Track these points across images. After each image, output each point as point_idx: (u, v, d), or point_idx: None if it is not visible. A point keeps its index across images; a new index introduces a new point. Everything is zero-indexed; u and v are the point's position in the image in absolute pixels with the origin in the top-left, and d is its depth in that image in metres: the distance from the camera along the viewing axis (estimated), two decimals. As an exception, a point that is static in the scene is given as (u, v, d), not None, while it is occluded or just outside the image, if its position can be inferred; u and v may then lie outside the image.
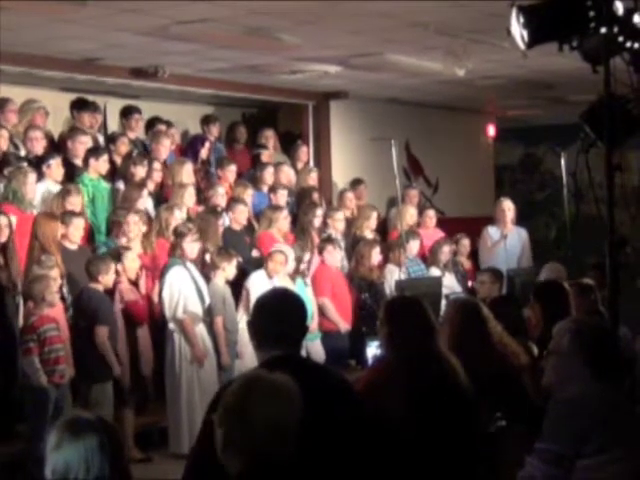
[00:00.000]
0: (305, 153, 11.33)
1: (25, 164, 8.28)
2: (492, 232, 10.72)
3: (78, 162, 8.97)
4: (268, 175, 10.23)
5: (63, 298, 7.45)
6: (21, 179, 7.91)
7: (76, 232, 7.87)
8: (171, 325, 7.84)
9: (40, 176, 8.26)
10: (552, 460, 3.54)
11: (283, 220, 9.30)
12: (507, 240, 10.51)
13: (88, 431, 2.94)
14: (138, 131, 10.17)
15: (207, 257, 8.43)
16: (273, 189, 9.98)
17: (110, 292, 7.58)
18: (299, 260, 8.83)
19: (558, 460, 3.53)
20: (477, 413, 4.29)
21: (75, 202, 8.14)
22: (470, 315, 4.89)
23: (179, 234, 8.01)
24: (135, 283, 7.90)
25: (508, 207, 10.76)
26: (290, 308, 3.66)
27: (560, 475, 3.54)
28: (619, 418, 3.62)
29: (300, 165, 11.13)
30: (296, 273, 8.78)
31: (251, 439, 2.78)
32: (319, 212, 9.77)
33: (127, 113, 10.11)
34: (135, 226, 8.13)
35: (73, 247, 7.88)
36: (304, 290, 8.72)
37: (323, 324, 8.98)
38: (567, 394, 3.68)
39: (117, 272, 7.60)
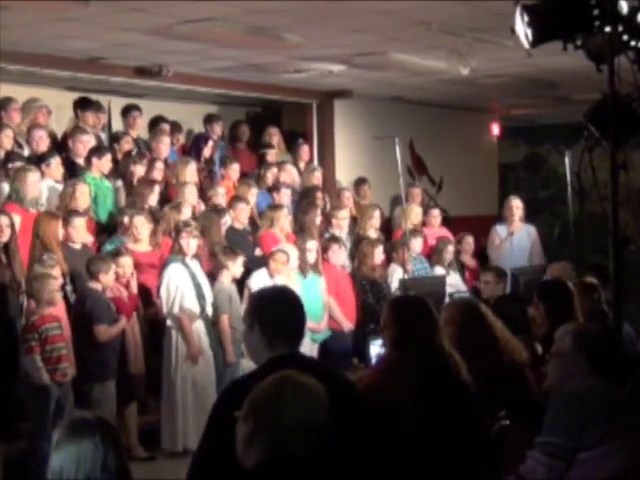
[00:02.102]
0: (307, 152, 11.32)
1: (23, 163, 8.28)
2: (500, 230, 10.80)
3: (80, 161, 8.98)
4: (271, 174, 10.23)
5: (66, 297, 7.45)
6: (22, 178, 7.91)
7: (80, 232, 7.87)
8: (168, 322, 7.86)
9: (40, 175, 8.26)
10: (553, 453, 3.56)
11: (284, 219, 9.28)
12: (514, 238, 10.58)
13: (84, 432, 2.94)
14: (138, 129, 10.18)
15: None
16: (276, 188, 9.97)
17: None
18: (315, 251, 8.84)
19: (559, 452, 3.54)
20: (479, 411, 4.29)
21: (84, 191, 8.18)
22: (470, 313, 4.89)
23: (176, 230, 8.05)
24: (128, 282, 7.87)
25: (517, 205, 10.82)
26: (297, 304, 3.66)
27: (561, 467, 3.55)
28: (618, 412, 3.63)
29: (302, 164, 11.12)
30: (310, 267, 8.78)
31: (281, 437, 2.82)
32: (319, 212, 9.76)
33: (126, 111, 10.13)
34: (142, 227, 8.14)
35: (77, 246, 7.89)
36: (317, 284, 8.74)
37: (328, 323, 8.97)
38: (567, 389, 3.69)
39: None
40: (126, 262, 7.73)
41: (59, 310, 7.11)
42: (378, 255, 9.44)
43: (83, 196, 8.16)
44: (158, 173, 9.23)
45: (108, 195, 8.91)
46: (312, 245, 8.86)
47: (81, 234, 7.91)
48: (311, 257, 8.83)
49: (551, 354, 3.92)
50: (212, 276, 8.21)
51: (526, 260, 10.31)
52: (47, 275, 7.04)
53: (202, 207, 9.28)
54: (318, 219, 9.67)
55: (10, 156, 8.45)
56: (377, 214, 10.37)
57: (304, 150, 11.27)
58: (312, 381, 2.94)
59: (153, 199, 8.72)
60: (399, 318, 4.39)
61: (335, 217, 9.93)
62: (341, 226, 9.89)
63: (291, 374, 2.98)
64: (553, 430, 3.58)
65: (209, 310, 8.02)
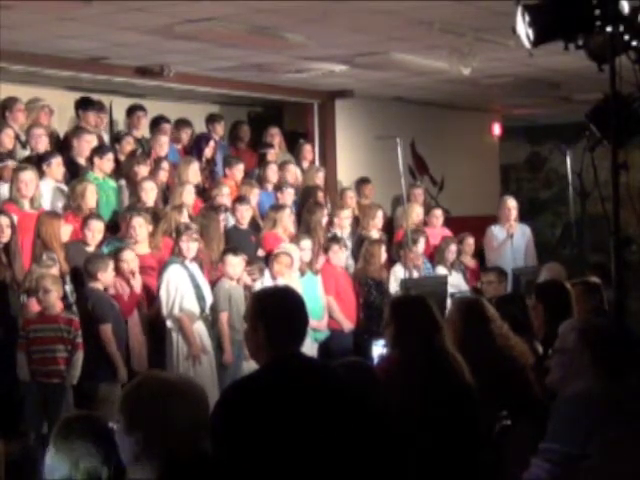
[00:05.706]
0: (310, 152, 11.31)
1: (11, 161, 8.29)
2: (496, 231, 10.62)
3: (81, 161, 8.98)
4: (272, 174, 10.23)
5: (66, 297, 7.43)
6: (14, 178, 7.91)
7: (96, 235, 7.85)
8: (168, 323, 7.86)
9: (41, 175, 8.26)
10: (557, 460, 3.53)
11: (287, 219, 9.29)
12: (513, 239, 10.49)
13: (82, 432, 2.93)
14: (142, 129, 10.17)
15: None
16: (279, 188, 9.97)
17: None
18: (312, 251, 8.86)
19: (562, 459, 3.52)
20: (480, 411, 4.29)
21: (94, 190, 8.20)
22: (474, 314, 4.89)
23: (177, 233, 8.05)
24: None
25: (513, 205, 10.68)
26: (299, 304, 3.66)
27: (565, 475, 3.53)
28: (623, 417, 3.60)
29: (306, 164, 11.12)
30: (307, 266, 8.79)
31: (175, 440, 2.73)
32: (326, 212, 9.77)
33: (130, 111, 10.13)
34: (141, 229, 8.12)
35: (90, 249, 7.85)
36: (316, 285, 8.74)
37: (328, 323, 8.98)
38: (571, 392, 3.67)
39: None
40: (129, 256, 7.72)
41: (55, 310, 7.04)
42: (384, 255, 9.45)
43: (92, 194, 8.19)
44: (164, 174, 9.23)
45: (111, 195, 8.90)
46: (307, 244, 8.88)
47: (97, 237, 7.89)
48: (306, 256, 8.84)
49: (554, 350, 3.89)
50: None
51: (522, 261, 10.22)
52: (43, 275, 7.02)
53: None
54: (325, 219, 9.68)
55: (12, 156, 8.46)
56: (380, 214, 10.38)
57: (307, 150, 11.27)
58: (190, 379, 2.94)
59: (151, 197, 8.69)
60: (400, 317, 4.40)
61: (337, 217, 9.93)
62: (343, 226, 9.90)
63: (166, 375, 2.91)
64: (556, 436, 3.54)
65: (209, 311, 8.02)
